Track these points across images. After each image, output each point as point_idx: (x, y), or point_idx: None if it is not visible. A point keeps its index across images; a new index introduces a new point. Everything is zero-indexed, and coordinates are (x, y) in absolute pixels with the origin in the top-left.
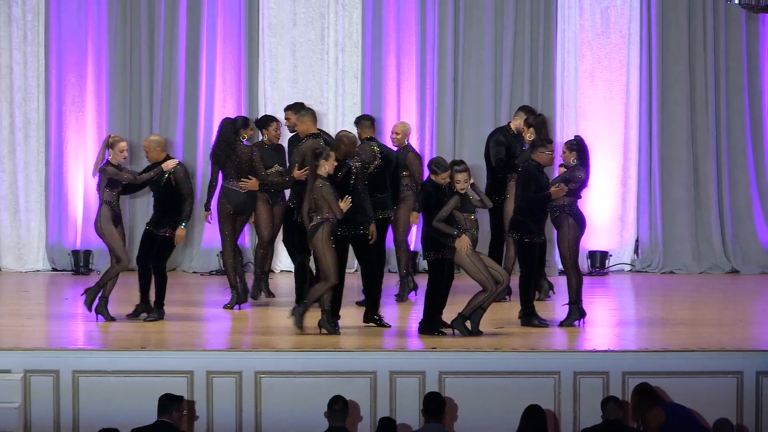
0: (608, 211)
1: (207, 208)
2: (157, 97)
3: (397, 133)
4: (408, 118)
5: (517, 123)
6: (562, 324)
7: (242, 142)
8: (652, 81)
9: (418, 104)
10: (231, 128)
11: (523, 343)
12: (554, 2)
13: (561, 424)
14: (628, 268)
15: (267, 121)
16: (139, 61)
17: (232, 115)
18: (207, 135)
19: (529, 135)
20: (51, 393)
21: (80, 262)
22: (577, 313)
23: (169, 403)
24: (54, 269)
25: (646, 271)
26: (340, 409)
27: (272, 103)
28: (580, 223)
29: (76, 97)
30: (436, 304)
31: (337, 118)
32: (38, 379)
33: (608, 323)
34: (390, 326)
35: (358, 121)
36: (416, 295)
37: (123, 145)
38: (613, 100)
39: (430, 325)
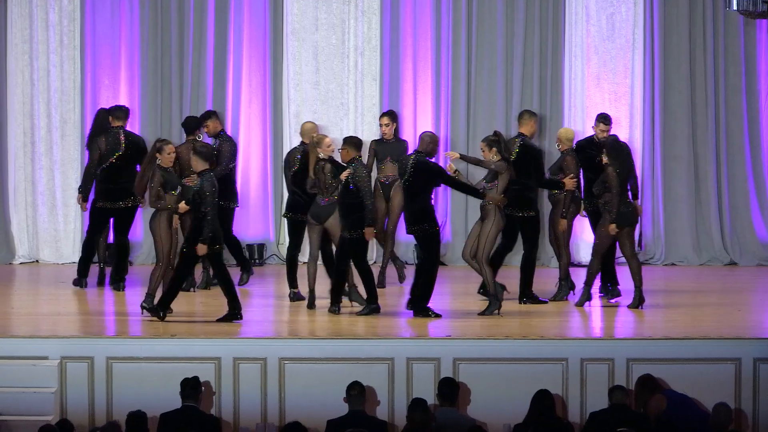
0: None
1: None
2: (187, 99)
3: (560, 140)
4: (423, 118)
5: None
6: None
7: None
8: (654, 84)
9: (433, 105)
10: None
11: (532, 331)
12: (562, 9)
13: (568, 408)
14: None
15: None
16: (169, 64)
17: (258, 117)
18: (234, 134)
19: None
20: (86, 378)
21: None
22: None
23: (191, 389)
24: None
25: (649, 263)
26: (357, 395)
27: (296, 104)
28: None
29: (109, 98)
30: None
31: (357, 119)
32: (74, 365)
33: (613, 312)
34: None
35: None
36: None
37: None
38: (618, 102)
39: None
